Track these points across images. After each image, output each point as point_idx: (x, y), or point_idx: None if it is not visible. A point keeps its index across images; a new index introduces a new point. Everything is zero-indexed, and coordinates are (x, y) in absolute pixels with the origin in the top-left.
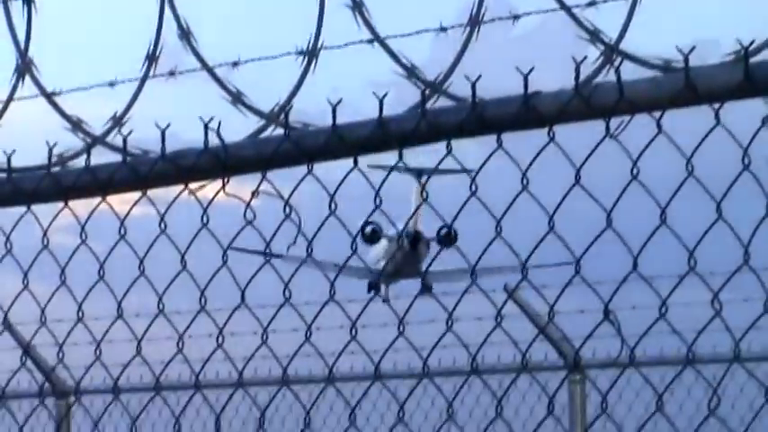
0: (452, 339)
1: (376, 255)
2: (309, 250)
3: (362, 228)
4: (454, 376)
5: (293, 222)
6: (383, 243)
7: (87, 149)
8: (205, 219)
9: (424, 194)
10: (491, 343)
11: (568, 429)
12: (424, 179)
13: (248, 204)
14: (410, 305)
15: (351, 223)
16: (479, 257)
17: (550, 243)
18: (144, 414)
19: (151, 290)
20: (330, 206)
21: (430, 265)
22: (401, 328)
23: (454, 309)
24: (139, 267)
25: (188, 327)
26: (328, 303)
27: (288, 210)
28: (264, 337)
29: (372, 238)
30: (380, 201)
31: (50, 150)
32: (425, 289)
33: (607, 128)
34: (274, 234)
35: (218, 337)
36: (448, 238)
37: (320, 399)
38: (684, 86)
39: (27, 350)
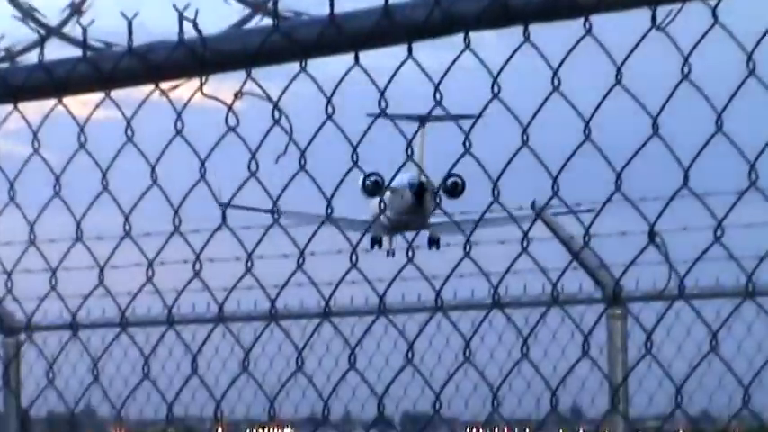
0: (471, 267)
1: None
2: (302, 162)
3: (364, 180)
4: (473, 310)
5: (283, 129)
6: (386, 195)
7: (41, 42)
8: (179, 125)
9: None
10: (516, 271)
11: (607, 372)
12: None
13: (230, 108)
14: (417, 232)
15: (351, 129)
16: (503, 170)
17: (586, 155)
18: (107, 354)
19: (116, 208)
20: (327, 110)
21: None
22: (410, 253)
23: (473, 231)
24: (102, 181)
25: (159, 251)
26: (325, 224)
27: (277, 114)
28: (249, 263)
29: (374, 190)
30: (386, 104)
31: None
32: (433, 242)
33: (653, 18)
34: (261, 142)
35: (194, 264)
36: (455, 188)
37: (315, 337)
38: None
39: None
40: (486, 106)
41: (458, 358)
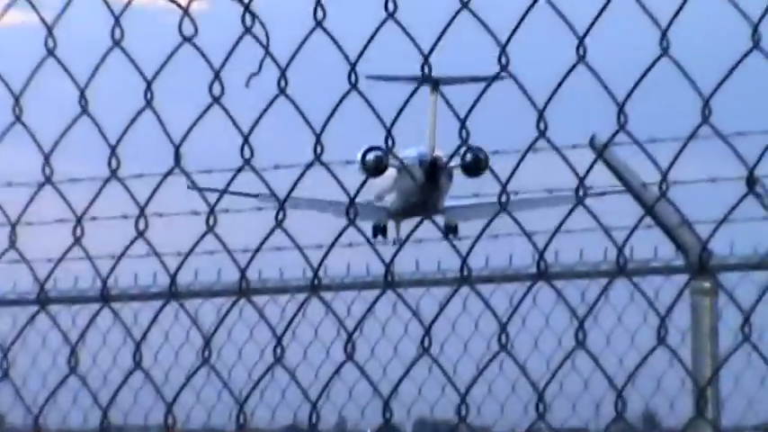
0: (508, 224)
1: (383, 188)
2: (283, 84)
3: (364, 155)
4: (510, 283)
5: (257, 40)
6: (391, 173)
7: None
8: (118, 33)
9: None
10: (569, 231)
11: (690, 367)
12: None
13: (186, 11)
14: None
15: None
16: (551, 94)
17: (663, 74)
18: (20, 341)
19: (32, 144)
20: (315, 14)
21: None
22: (426, 204)
23: (512, 174)
24: (14, 109)
25: (91, 203)
26: (314, 166)
27: (249, 20)
28: (212, 220)
29: (377, 167)
30: (395, 6)
31: None
32: (449, 230)
33: None
34: (227, 58)
35: (137, 221)
36: (476, 164)
37: (299, 318)
38: None
39: None
40: (531, 8)
41: (490, 347)
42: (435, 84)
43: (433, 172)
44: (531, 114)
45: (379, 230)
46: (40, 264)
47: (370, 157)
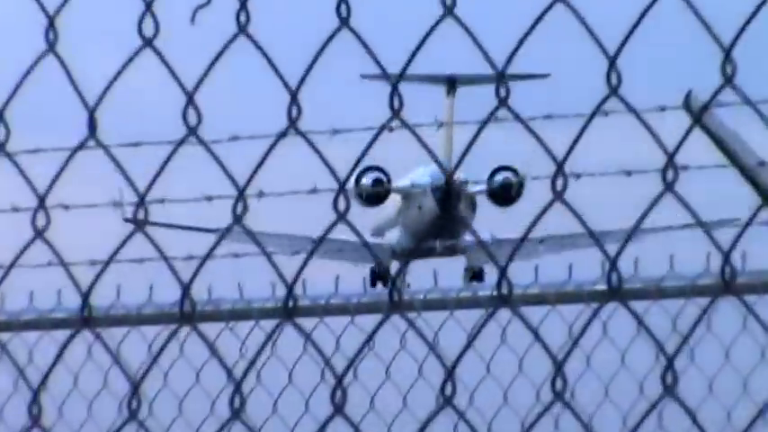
0: (566, 220)
1: (384, 222)
2: (243, 19)
3: (358, 177)
4: (570, 304)
5: None
6: (394, 201)
7: None
8: None
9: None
10: (652, 230)
11: None
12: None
13: None
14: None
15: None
16: (628, 34)
17: None
18: None
19: None
20: None
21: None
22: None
23: (571, 149)
24: None
25: None
26: (288, 136)
27: None
28: (142, 213)
29: (376, 193)
30: None
31: None
32: (473, 275)
33: None
34: None
35: (35, 215)
36: (507, 189)
37: (266, 353)
38: None
39: None
40: None
41: (541, 398)
42: (452, 83)
43: (450, 199)
44: (600, 64)
45: (380, 277)
46: None
47: (367, 179)
